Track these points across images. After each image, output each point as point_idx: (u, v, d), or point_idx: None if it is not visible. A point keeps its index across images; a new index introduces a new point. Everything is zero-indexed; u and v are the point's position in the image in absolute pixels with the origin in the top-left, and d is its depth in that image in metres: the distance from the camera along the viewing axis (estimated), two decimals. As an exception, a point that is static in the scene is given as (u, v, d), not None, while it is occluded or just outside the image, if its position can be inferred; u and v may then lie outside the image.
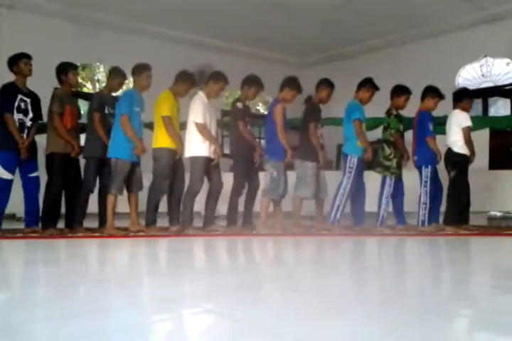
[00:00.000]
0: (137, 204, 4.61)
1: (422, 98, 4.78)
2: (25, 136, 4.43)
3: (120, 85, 4.84)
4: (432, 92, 4.76)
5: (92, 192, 4.62)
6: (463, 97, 4.86)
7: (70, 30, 7.51)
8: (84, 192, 4.54)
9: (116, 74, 4.73)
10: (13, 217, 6.40)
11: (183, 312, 1.70)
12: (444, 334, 1.41)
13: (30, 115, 4.49)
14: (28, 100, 4.49)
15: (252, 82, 4.75)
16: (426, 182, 4.59)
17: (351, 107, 4.72)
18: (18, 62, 4.42)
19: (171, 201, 4.68)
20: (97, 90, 11.52)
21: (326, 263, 3.01)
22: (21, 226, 4.80)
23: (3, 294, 2.03)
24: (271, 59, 9.74)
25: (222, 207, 4.98)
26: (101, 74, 12.06)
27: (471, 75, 8.30)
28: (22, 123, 4.42)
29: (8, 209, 6.35)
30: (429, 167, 4.61)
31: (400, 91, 4.73)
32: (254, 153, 4.69)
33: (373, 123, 5.61)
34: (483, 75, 8.21)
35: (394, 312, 1.64)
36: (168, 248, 3.92)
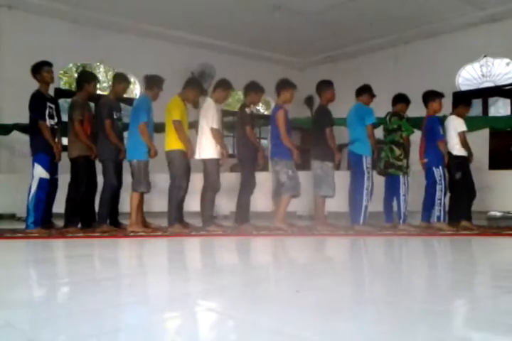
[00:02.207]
0: (142, 205, 4.72)
1: (426, 104, 4.93)
2: (56, 140, 4.65)
3: (124, 90, 4.98)
4: (431, 96, 4.93)
5: (114, 190, 4.70)
6: (459, 104, 5.08)
7: (70, 30, 7.51)
8: (107, 191, 4.64)
9: (120, 80, 4.85)
10: (13, 217, 6.41)
11: (185, 311, 1.70)
12: (446, 333, 1.41)
13: (56, 119, 4.69)
14: (53, 106, 4.68)
15: (258, 88, 4.90)
16: (440, 180, 4.78)
17: (363, 111, 4.77)
18: (41, 70, 4.57)
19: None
20: (98, 91, 11.52)
21: (326, 263, 3.00)
22: (21, 226, 4.80)
23: (3, 294, 2.03)
24: (271, 59, 9.74)
25: (224, 207, 4.97)
26: (101, 75, 12.05)
27: (471, 75, 8.30)
28: (52, 129, 4.62)
29: (8, 209, 6.41)
30: (440, 167, 4.81)
31: (403, 100, 4.97)
32: (258, 155, 4.83)
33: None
34: (483, 75, 8.21)
35: (395, 312, 1.64)
36: (168, 248, 3.92)
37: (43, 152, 4.54)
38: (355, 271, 2.62)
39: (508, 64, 7.91)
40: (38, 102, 4.55)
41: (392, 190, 4.91)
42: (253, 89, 4.90)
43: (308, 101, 4.96)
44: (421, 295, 1.98)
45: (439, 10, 7.63)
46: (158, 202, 5.22)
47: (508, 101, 8.31)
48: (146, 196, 4.84)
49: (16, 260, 3.23)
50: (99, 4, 7.37)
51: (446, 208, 4.82)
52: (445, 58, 8.13)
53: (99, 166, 4.81)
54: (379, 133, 5.10)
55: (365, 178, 4.63)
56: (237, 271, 2.65)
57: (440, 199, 4.74)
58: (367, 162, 4.66)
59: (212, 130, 4.62)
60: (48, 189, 4.59)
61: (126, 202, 4.82)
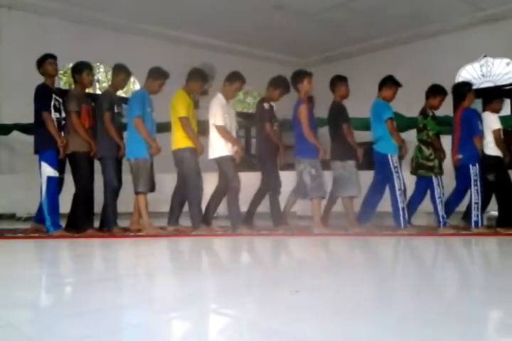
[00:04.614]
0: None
1: (463, 96, 4.67)
2: (62, 134, 4.45)
3: (124, 81, 4.78)
4: (469, 88, 4.69)
5: (118, 189, 4.56)
6: (493, 98, 4.78)
7: (70, 30, 7.51)
8: (109, 192, 4.50)
9: (118, 71, 4.70)
10: (13, 216, 6.41)
11: (187, 312, 1.69)
12: (444, 333, 1.41)
13: (63, 114, 4.53)
14: (60, 100, 4.54)
15: (278, 84, 4.75)
16: (476, 181, 4.45)
17: (379, 107, 4.60)
18: (44, 63, 4.47)
19: (174, 200, 4.69)
20: (97, 90, 11.50)
21: (327, 263, 3.00)
22: (21, 226, 4.80)
23: (4, 294, 2.03)
24: (271, 59, 9.74)
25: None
26: (101, 74, 12.04)
27: (471, 75, 8.30)
28: (59, 122, 4.47)
29: (8, 209, 6.41)
30: (476, 165, 4.50)
31: (437, 91, 4.65)
32: (278, 153, 4.73)
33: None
34: (483, 75, 8.21)
35: (395, 313, 1.64)
36: (170, 248, 3.92)
37: (49, 148, 4.32)
38: (355, 271, 2.62)
39: (508, 64, 7.91)
40: (42, 93, 4.39)
41: (421, 191, 4.66)
42: (272, 85, 4.76)
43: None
44: (421, 295, 1.98)
45: (439, 10, 7.63)
46: (163, 202, 5.17)
47: (508, 101, 8.30)
48: (151, 196, 4.77)
49: (16, 260, 3.23)
50: (100, 4, 7.36)
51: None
52: (445, 58, 8.13)
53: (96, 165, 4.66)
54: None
55: (395, 178, 4.41)
56: (236, 271, 2.64)
57: (477, 203, 4.42)
58: (393, 161, 4.44)
59: (216, 127, 4.45)
60: (58, 188, 4.41)
61: (123, 203, 4.75)
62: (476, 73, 8.28)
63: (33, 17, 7.30)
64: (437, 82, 4.92)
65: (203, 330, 1.51)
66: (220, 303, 1.79)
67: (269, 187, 4.71)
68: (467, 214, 4.61)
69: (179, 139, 4.46)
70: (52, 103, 4.40)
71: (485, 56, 8.05)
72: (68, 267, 2.84)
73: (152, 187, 4.61)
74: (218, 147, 4.48)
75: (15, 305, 1.82)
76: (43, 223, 4.39)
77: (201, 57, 8.62)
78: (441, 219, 4.46)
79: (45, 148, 4.34)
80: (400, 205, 4.38)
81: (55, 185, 4.35)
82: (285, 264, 3.03)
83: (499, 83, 8.05)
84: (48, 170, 4.31)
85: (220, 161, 4.52)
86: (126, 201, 4.75)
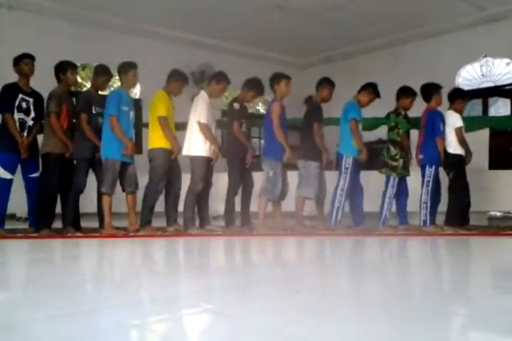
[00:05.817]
0: (135, 205, 4.58)
1: (429, 98, 4.74)
2: (25, 135, 4.43)
3: (106, 83, 4.73)
4: (435, 88, 4.75)
5: (82, 192, 4.49)
6: (456, 98, 4.85)
7: (69, 30, 7.50)
8: (73, 193, 4.44)
9: (100, 72, 4.65)
10: (13, 217, 6.40)
11: (183, 312, 1.69)
12: (444, 333, 1.41)
13: (32, 115, 4.49)
14: (31, 100, 4.49)
15: (252, 86, 4.74)
16: (428, 181, 4.57)
17: (348, 106, 4.71)
18: (19, 62, 4.44)
19: (168, 201, 4.68)
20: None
21: (326, 264, 3.00)
22: (21, 226, 4.80)
23: (3, 294, 2.03)
24: (271, 59, 9.73)
25: (221, 207, 4.97)
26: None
27: (471, 75, 8.30)
28: (23, 123, 4.43)
29: (8, 209, 6.40)
30: (433, 167, 4.60)
31: (407, 92, 4.73)
32: (246, 154, 4.68)
33: (373, 123, 5.60)
34: (483, 75, 8.21)
35: (395, 312, 1.64)
36: (166, 248, 3.92)
37: (4, 150, 4.35)
38: (355, 271, 2.62)
39: (508, 64, 7.90)
40: (5, 93, 4.38)
41: (400, 191, 4.72)
42: (247, 86, 4.75)
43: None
44: (420, 295, 1.98)
45: (439, 10, 7.63)
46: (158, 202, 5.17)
47: (508, 101, 8.30)
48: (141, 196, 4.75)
49: (15, 260, 3.23)
50: (99, 4, 7.37)
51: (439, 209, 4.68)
52: (445, 58, 8.13)
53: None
54: (378, 133, 5.08)
55: (342, 178, 4.57)
56: (234, 271, 2.64)
57: (426, 203, 4.55)
58: (346, 162, 4.57)
59: (199, 124, 4.40)
60: (8, 191, 4.42)
61: (121, 203, 4.75)
62: (476, 73, 8.28)
63: (33, 17, 7.30)
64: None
65: (200, 330, 1.51)
66: (217, 303, 1.79)
67: (235, 187, 4.68)
68: (447, 216, 4.70)
69: (155, 139, 4.49)
70: (18, 103, 4.39)
71: (485, 56, 8.05)
72: (65, 267, 2.83)
73: (135, 186, 4.57)
74: (195, 145, 4.45)
75: (11, 304, 1.82)
76: (37, 224, 4.43)
77: (201, 57, 8.63)
78: (382, 218, 4.64)
79: (1, 149, 4.37)
80: (336, 204, 4.58)
81: (5, 186, 4.37)
82: (284, 264, 3.02)
83: (499, 83, 8.05)
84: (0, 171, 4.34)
85: (193, 160, 4.49)
86: (124, 201, 4.73)
